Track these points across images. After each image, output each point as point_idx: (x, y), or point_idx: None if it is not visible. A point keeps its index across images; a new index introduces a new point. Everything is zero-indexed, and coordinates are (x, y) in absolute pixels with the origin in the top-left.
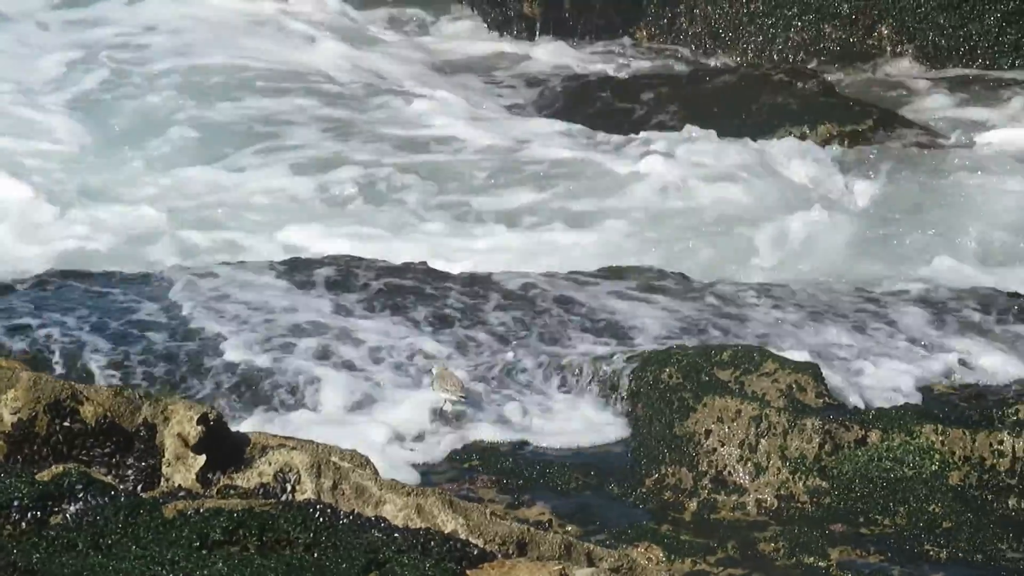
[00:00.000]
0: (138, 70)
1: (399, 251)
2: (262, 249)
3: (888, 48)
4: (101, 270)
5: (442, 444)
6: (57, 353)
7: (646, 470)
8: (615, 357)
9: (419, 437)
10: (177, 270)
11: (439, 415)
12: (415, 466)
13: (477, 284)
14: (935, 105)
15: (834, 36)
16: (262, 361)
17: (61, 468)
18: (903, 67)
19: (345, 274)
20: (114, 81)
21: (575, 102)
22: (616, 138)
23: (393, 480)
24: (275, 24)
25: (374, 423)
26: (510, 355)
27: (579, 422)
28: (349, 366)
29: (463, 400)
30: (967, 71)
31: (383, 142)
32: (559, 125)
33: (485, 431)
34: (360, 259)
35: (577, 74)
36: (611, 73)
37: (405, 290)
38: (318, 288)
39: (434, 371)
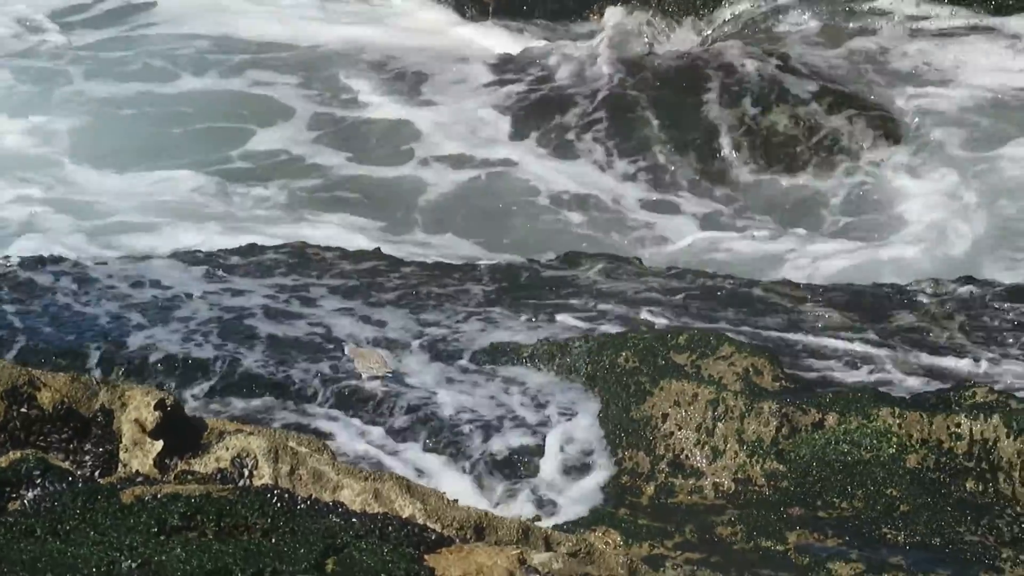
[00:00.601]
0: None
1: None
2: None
3: None
4: (51, 255)
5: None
6: (14, 340)
7: (604, 452)
8: (573, 341)
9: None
10: (129, 260)
11: (365, 393)
12: (380, 448)
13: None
14: None
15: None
16: (217, 350)
17: (19, 454)
18: None
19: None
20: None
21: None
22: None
23: (350, 465)
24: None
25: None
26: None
27: None
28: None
29: (389, 376)
30: None
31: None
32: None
33: (437, 413)
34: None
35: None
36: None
37: (361, 274)
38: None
39: (346, 350)
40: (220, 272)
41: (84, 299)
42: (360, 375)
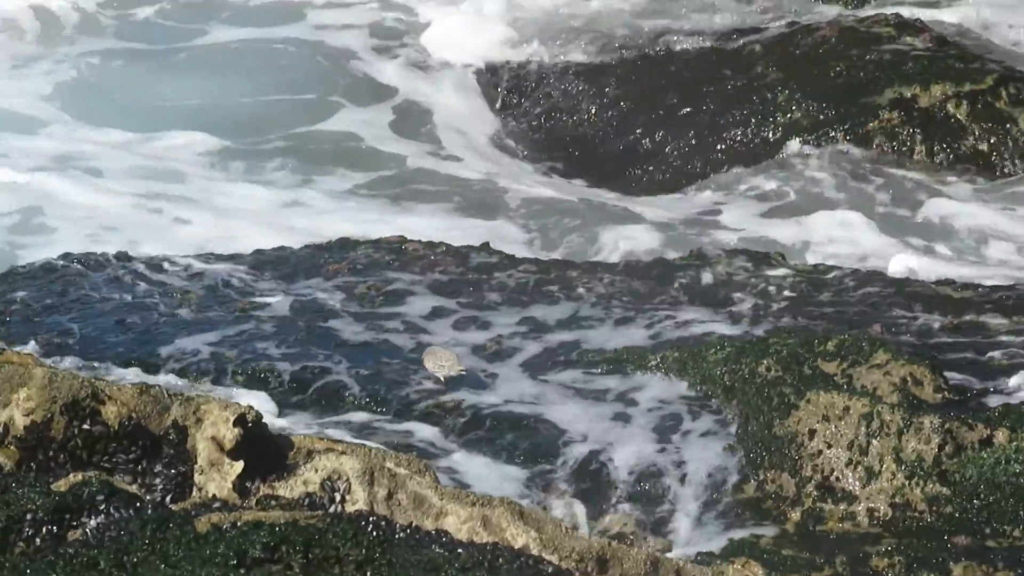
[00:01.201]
0: None
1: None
2: None
3: None
4: (115, 253)
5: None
6: (71, 347)
7: (743, 474)
8: (706, 347)
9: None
10: (203, 258)
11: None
12: (485, 468)
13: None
14: None
15: None
16: (304, 358)
17: (80, 477)
18: None
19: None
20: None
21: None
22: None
23: (456, 488)
24: None
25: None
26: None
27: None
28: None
29: (462, 374)
30: None
31: None
32: None
33: (550, 428)
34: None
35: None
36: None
37: (468, 272)
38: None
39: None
40: (306, 269)
41: (151, 301)
42: (433, 375)
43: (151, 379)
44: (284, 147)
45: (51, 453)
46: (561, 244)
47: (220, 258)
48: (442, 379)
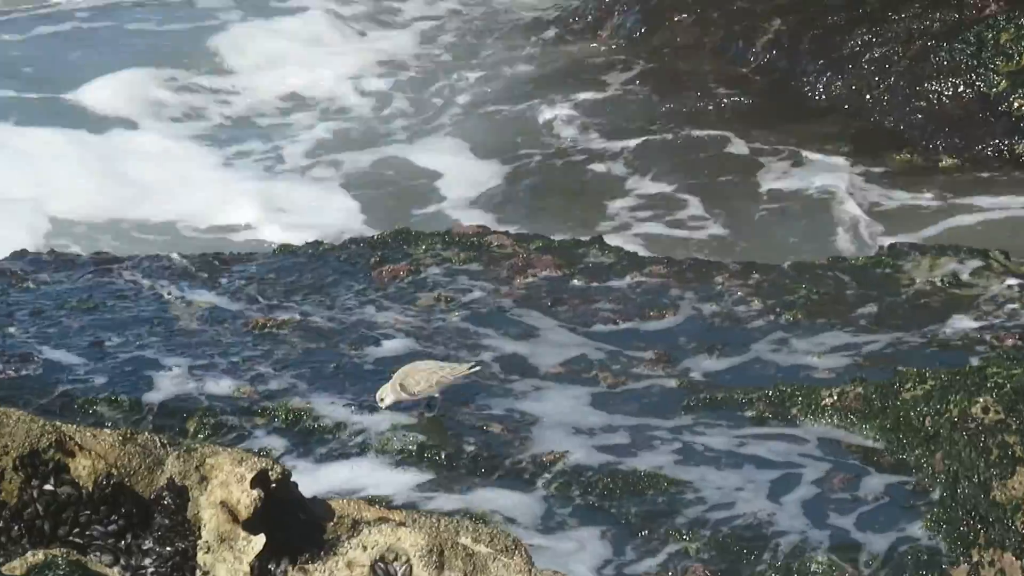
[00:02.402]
0: None
1: None
2: None
3: None
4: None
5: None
6: (29, 377)
7: (951, 555)
8: (902, 380)
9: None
10: (215, 258)
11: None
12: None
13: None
14: None
15: None
16: (347, 391)
17: (41, 556)
18: None
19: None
20: None
21: None
22: None
23: (557, 573)
24: None
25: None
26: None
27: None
28: None
29: (422, 401)
30: None
31: None
32: None
33: (688, 493)
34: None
35: None
36: None
37: (573, 274)
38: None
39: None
40: (349, 273)
41: (139, 314)
42: (398, 399)
43: (139, 421)
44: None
45: (1, 523)
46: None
47: (231, 259)
48: (385, 404)
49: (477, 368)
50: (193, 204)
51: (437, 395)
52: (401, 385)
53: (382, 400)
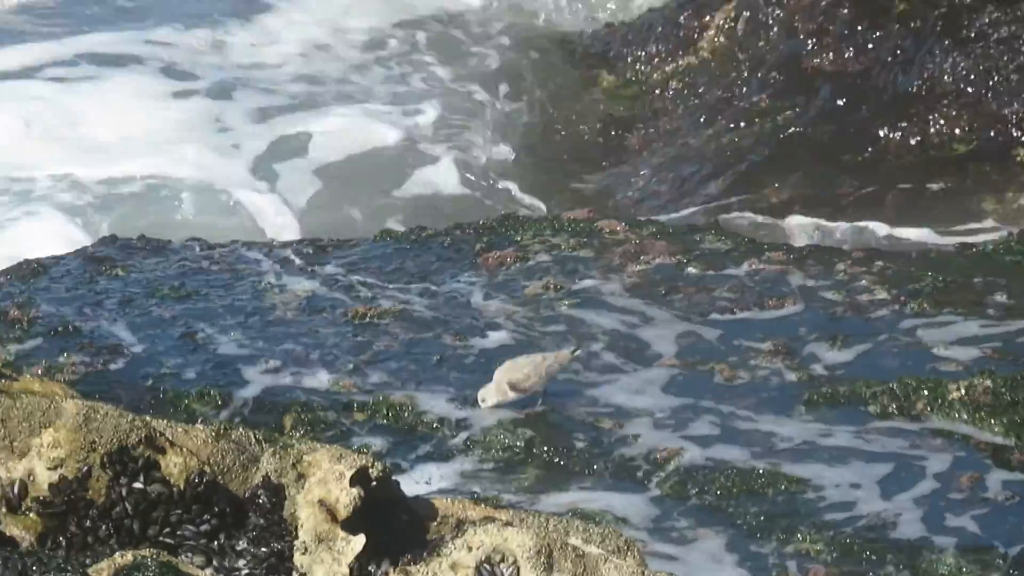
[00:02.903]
0: None
1: None
2: None
3: None
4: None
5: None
6: (118, 371)
7: None
8: None
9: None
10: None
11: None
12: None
13: None
14: None
15: None
16: (450, 381)
17: (130, 557)
18: None
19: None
20: None
21: None
22: None
23: (669, 574)
24: None
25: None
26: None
27: None
28: None
29: (525, 397)
30: None
31: None
32: None
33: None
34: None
35: None
36: None
37: (682, 263)
38: None
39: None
40: (451, 260)
41: (232, 303)
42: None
43: (232, 417)
44: None
45: (88, 523)
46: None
47: (331, 245)
48: (487, 404)
49: (579, 352)
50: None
51: (542, 389)
52: (510, 383)
53: (483, 401)
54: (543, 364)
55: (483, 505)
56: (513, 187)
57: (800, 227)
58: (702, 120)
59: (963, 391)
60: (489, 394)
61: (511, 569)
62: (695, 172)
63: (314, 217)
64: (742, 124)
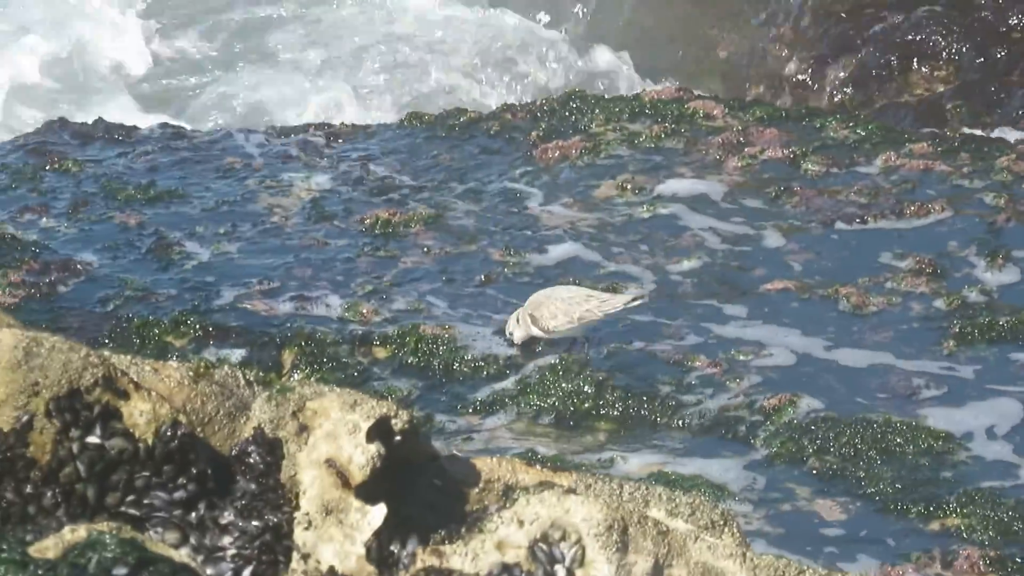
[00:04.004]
0: None
1: None
2: None
3: None
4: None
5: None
6: (69, 290)
7: None
8: None
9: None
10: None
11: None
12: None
13: None
14: None
15: None
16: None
17: (83, 532)
18: None
19: None
20: None
21: None
22: None
23: (779, 557)
24: None
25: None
26: None
27: None
28: None
29: (568, 333)
30: None
31: None
32: None
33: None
34: None
35: None
36: None
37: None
38: None
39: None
40: (503, 146)
41: (225, 199)
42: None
43: (216, 351)
44: None
45: (29, 488)
46: None
47: (342, 132)
48: (515, 338)
49: (640, 300)
50: None
51: (580, 336)
52: (532, 316)
53: (511, 334)
54: (580, 307)
55: (539, 467)
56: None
57: (952, 112)
58: None
59: None
60: (514, 327)
61: (574, 550)
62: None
63: (325, 96)
64: None
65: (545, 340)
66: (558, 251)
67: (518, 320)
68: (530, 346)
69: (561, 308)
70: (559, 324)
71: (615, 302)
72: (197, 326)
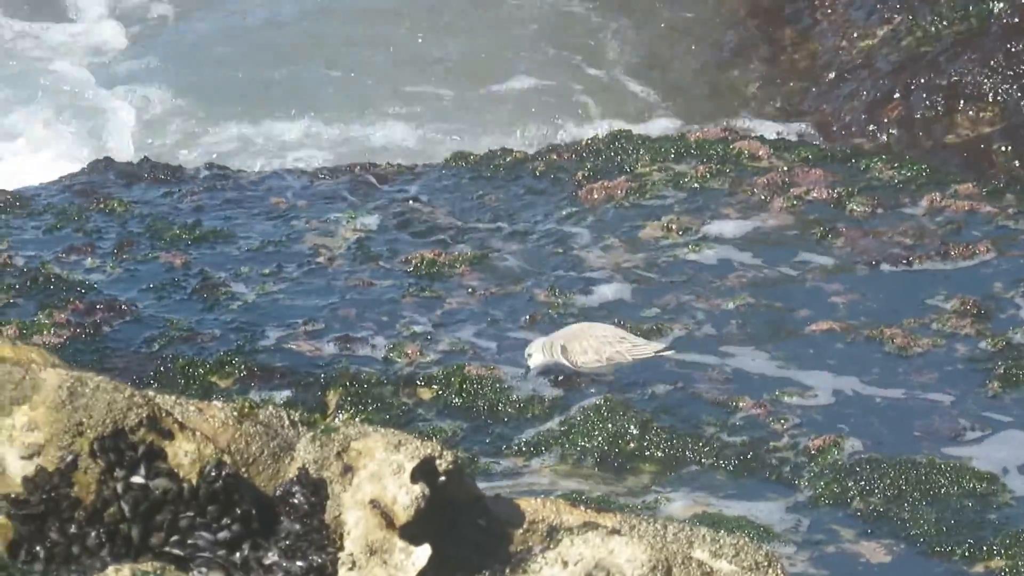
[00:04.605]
0: None
1: None
2: None
3: None
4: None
5: None
6: (123, 334)
7: None
8: None
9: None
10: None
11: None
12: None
13: None
14: None
15: None
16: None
17: (127, 572)
18: None
19: None
20: None
21: None
22: None
23: None
24: None
25: None
26: None
27: None
28: None
29: (599, 370)
30: None
31: None
32: None
33: None
34: None
35: None
36: None
37: None
38: None
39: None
40: (548, 186)
41: (271, 240)
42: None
43: (261, 392)
44: None
45: (74, 528)
46: None
47: (388, 173)
48: (537, 368)
49: (668, 352)
50: None
51: (607, 374)
52: (563, 348)
53: (529, 356)
54: (611, 347)
55: (583, 508)
56: (630, 88)
57: (996, 153)
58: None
59: None
60: (536, 350)
61: None
62: (857, 76)
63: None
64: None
65: (579, 376)
66: (603, 292)
67: (544, 348)
68: (575, 388)
69: (593, 345)
70: (588, 360)
71: (646, 349)
72: (242, 366)
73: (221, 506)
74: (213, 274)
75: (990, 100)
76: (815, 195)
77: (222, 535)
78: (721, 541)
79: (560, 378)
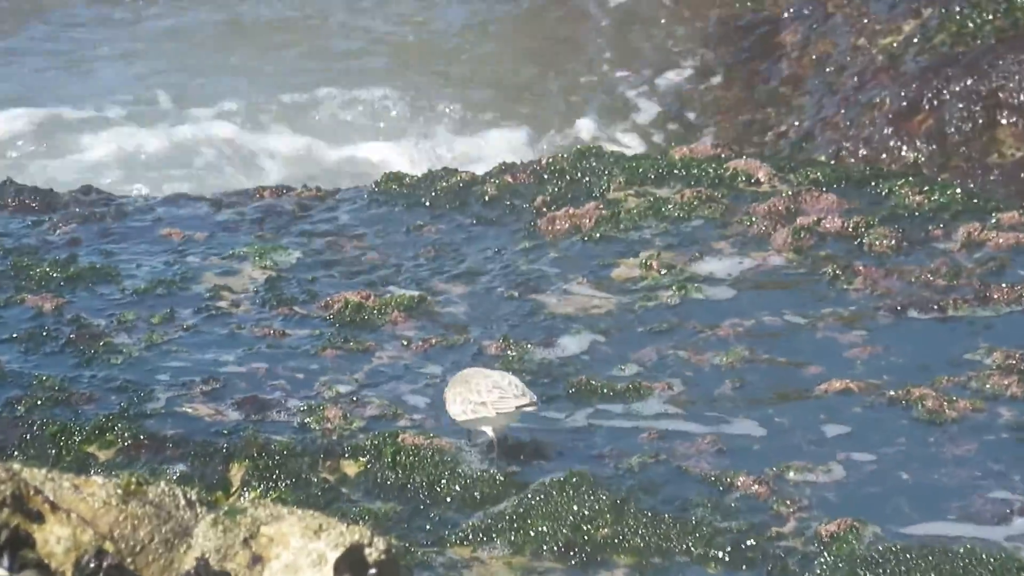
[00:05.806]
0: None
1: None
2: None
3: None
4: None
5: None
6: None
7: None
8: None
9: None
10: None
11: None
12: None
13: None
14: None
15: None
16: None
17: None
18: None
19: None
20: None
21: None
22: None
23: None
24: None
25: None
26: None
27: None
28: None
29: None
30: None
31: None
32: None
33: None
34: None
35: None
36: None
37: None
38: None
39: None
40: (501, 215)
41: (162, 279)
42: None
43: (150, 465)
44: None
45: None
46: None
47: (307, 199)
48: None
49: (532, 408)
50: None
51: (491, 429)
52: (444, 397)
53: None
54: (478, 397)
55: None
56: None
57: None
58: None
59: None
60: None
61: None
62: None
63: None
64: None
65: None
66: (566, 344)
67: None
68: (532, 461)
69: (461, 394)
70: (455, 412)
71: (510, 402)
72: (126, 434)
73: None
74: (91, 321)
75: None
76: (827, 226)
77: None
78: None
79: (513, 446)
